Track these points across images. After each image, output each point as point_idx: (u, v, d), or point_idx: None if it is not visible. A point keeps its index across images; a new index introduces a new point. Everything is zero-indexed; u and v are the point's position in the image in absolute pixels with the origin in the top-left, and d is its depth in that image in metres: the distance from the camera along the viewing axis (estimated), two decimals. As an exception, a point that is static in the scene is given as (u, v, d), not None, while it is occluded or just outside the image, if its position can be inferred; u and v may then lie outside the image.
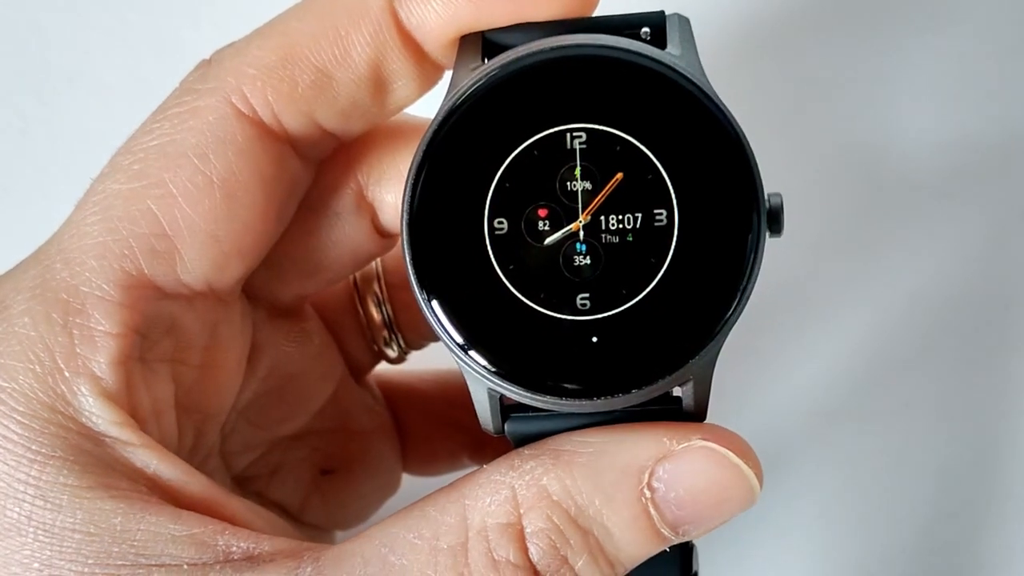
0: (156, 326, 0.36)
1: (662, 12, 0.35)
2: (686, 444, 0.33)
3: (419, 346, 0.45)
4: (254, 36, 0.36)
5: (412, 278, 0.33)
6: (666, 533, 0.33)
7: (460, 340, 0.33)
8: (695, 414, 0.35)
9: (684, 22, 0.35)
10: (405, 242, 0.33)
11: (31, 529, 0.33)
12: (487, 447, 0.46)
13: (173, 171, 0.35)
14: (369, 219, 0.39)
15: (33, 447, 0.33)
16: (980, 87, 0.50)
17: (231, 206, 0.35)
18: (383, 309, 0.43)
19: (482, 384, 0.34)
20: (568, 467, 0.33)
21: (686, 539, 0.33)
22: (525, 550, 0.33)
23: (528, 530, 0.33)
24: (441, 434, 0.46)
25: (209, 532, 0.33)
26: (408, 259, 0.33)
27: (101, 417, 0.34)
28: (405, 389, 0.47)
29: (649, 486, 0.33)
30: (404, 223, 0.33)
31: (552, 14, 0.34)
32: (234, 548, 0.33)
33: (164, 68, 0.52)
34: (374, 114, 0.37)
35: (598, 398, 0.33)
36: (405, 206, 0.33)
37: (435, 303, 0.33)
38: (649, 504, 0.33)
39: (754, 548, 0.52)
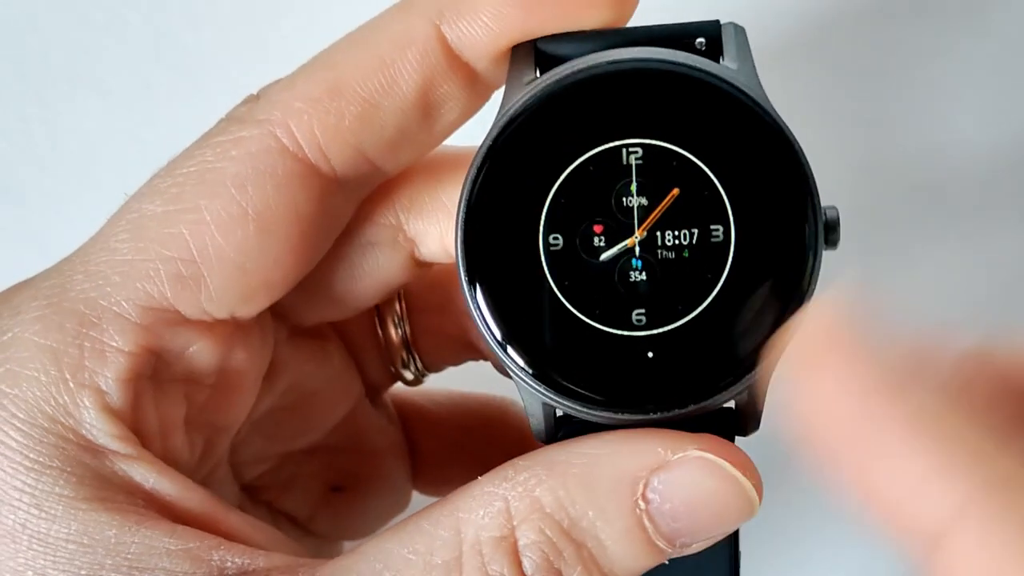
0: (171, 348, 0.35)
1: (717, 22, 0.35)
2: (681, 454, 0.32)
3: (437, 369, 0.44)
4: (300, 71, 0.36)
5: (468, 299, 0.33)
6: (662, 545, 0.33)
7: (520, 361, 0.33)
8: (747, 424, 0.34)
9: (740, 32, 0.35)
10: (460, 262, 0.33)
11: (25, 537, 0.33)
12: None
13: (209, 198, 0.34)
14: (406, 251, 0.38)
15: (31, 455, 0.33)
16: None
17: (263, 239, 0.35)
18: (402, 331, 0.43)
19: (536, 399, 0.34)
20: (561, 478, 0.33)
21: (684, 552, 0.33)
22: (519, 564, 0.32)
23: (521, 543, 0.32)
24: (453, 459, 0.46)
25: (204, 547, 0.33)
26: (463, 277, 0.33)
27: (101, 430, 0.34)
28: (420, 411, 0.46)
29: (643, 497, 0.32)
30: (458, 242, 0.33)
31: (604, 20, 0.34)
32: (228, 563, 0.33)
33: (164, 68, 0.52)
34: (421, 142, 0.36)
35: (653, 412, 0.33)
36: (459, 225, 0.33)
37: (487, 314, 0.33)
38: (644, 516, 0.32)
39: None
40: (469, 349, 0.43)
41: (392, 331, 0.43)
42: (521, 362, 0.33)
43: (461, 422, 0.46)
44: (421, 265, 0.39)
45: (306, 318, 0.40)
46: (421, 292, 0.43)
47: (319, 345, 0.41)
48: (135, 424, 0.34)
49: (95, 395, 0.34)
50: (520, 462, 0.34)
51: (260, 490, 0.43)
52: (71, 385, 0.34)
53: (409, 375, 0.44)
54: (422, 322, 0.43)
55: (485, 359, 0.43)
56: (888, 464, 0.27)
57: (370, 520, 0.46)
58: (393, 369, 0.44)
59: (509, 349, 0.33)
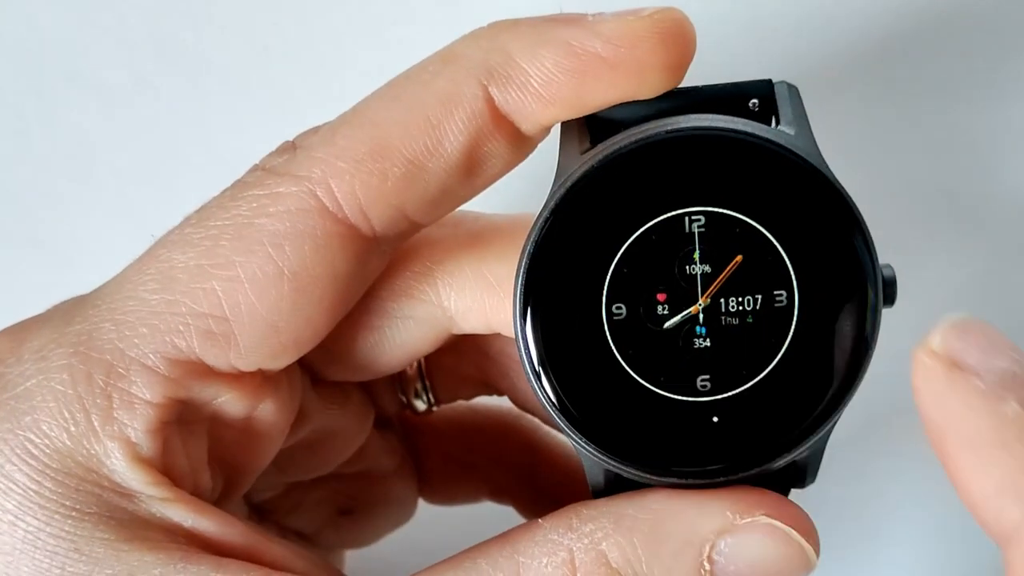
0: (199, 398, 0.35)
1: (769, 81, 0.35)
2: (749, 519, 0.33)
3: (449, 401, 0.44)
4: (342, 124, 0.35)
5: (528, 368, 0.33)
6: None
7: (575, 424, 0.33)
8: (806, 478, 0.35)
9: (793, 91, 0.35)
10: (518, 331, 0.33)
11: None
12: (507, 489, 0.46)
13: (245, 255, 0.34)
14: (442, 326, 0.38)
15: (67, 503, 0.33)
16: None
17: (297, 299, 0.34)
18: (418, 365, 0.43)
19: (599, 466, 0.34)
20: (629, 533, 0.33)
21: None
22: None
23: None
24: (460, 472, 0.46)
25: None
26: (522, 349, 0.33)
27: (135, 479, 0.34)
28: (426, 424, 0.46)
29: (709, 559, 0.33)
30: (517, 312, 0.33)
31: (658, 90, 0.34)
32: None
33: (164, 68, 0.52)
34: (461, 197, 0.36)
35: (721, 476, 0.33)
36: (518, 295, 0.33)
37: (547, 384, 0.33)
38: None
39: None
40: (484, 386, 0.43)
41: (408, 367, 0.42)
42: (586, 433, 0.33)
43: (468, 435, 0.46)
44: (454, 335, 0.38)
45: (331, 376, 0.40)
46: None
47: (339, 389, 0.41)
48: (165, 468, 0.34)
49: (125, 446, 0.34)
50: (584, 511, 0.34)
51: (268, 512, 0.43)
52: (101, 437, 0.33)
53: (421, 405, 0.44)
54: (439, 360, 0.43)
55: (500, 395, 0.43)
56: (972, 471, 0.29)
57: (376, 534, 0.46)
58: (405, 399, 0.44)
59: (585, 431, 0.33)
